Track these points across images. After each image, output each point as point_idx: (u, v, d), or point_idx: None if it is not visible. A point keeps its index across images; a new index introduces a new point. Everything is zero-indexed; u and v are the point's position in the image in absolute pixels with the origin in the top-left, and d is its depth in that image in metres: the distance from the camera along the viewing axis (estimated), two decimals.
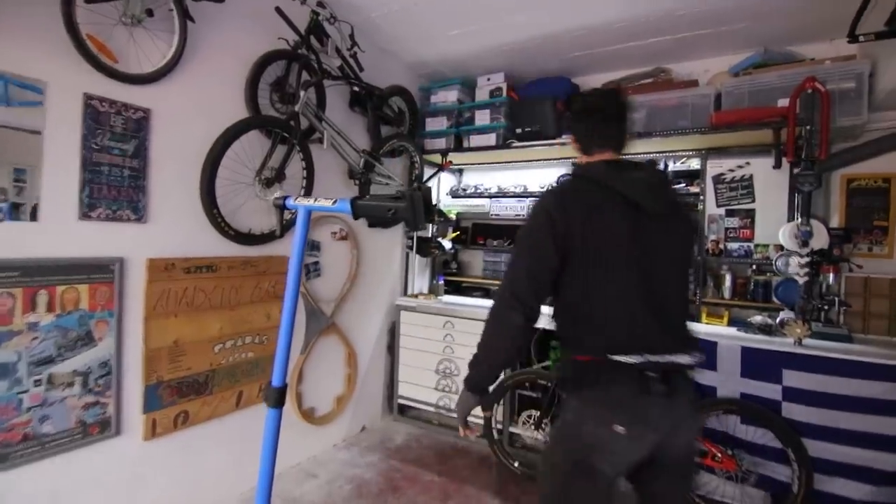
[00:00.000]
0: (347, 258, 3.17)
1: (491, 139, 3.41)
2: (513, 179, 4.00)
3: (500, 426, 3.05)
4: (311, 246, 2.91)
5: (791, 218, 2.72)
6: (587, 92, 1.47)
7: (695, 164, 3.23)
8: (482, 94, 3.50)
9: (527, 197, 3.89)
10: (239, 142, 2.25)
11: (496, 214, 3.99)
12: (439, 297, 3.83)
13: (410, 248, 3.72)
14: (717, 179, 3.01)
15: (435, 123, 3.61)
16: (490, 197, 4.05)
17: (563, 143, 3.22)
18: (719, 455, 2.40)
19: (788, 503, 2.30)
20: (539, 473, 1.50)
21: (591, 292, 1.27)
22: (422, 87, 3.69)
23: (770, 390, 2.40)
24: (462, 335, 3.35)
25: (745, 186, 2.93)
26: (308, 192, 2.69)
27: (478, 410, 1.56)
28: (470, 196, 4.18)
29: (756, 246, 2.95)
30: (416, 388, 3.54)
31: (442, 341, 3.43)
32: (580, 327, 1.31)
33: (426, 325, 3.51)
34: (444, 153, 3.60)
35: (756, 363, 2.44)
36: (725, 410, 2.47)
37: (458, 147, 3.57)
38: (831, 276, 2.69)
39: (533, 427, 2.86)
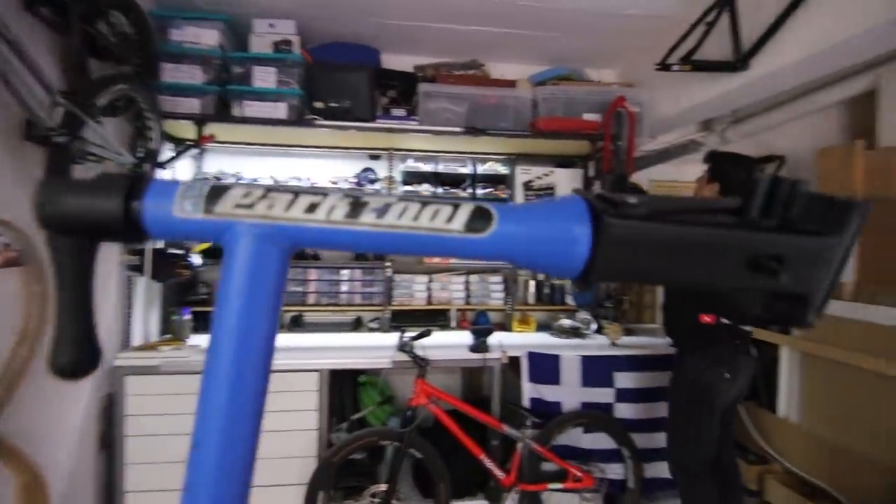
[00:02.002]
0: (20, 300, 1.60)
1: (279, 110, 2.39)
2: (290, 171, 3.00)
3: None
4: None
5: None
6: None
7: (501, 168, 3.14)
8: (262, 45, 2.42)
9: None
10: None
11: None
12: (187, 342, 2.51)
13: (136, 269, 2.27)
14: (527, 186, 2.98)
15: (181, 74, 2.29)
16: None
17: (381, 129, 2.56)
18: (579, 474, 2.31)
19: (627, 497, 2.41)
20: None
21: None
22: (155, 14, 2.28)
23: (604, 394, 2.48)
24: None
25: (549, 195, 3.00)
26: None
27: None
28: None
29: None
30: (162, 497, 2.18)
31: None
32: None
33: (178, 391, 2.20)
34: (200, 122, 2.34)
35: (594, 371, 2.49)
36: (575, 424, 2.41)
37: (225, 115, 2.38)
38: None
39: None
